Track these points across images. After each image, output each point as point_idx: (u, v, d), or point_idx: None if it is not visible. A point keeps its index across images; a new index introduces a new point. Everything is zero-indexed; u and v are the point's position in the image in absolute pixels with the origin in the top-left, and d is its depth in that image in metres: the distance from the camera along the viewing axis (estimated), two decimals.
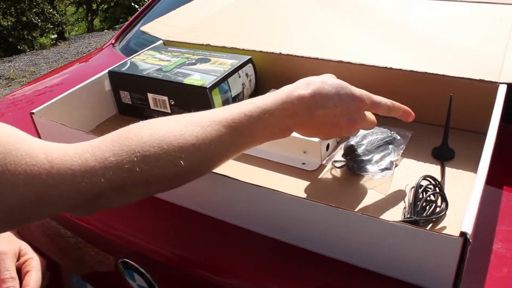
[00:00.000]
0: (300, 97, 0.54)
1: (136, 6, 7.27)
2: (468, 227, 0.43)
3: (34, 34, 6.56)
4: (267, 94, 0.56)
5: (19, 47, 6.16)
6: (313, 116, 0.55)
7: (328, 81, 0.56)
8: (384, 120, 0.69)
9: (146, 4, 1.49)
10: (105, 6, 7.69)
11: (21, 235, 0.70)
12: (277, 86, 0.60)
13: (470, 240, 0.43)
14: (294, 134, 0.65)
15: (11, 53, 6.00)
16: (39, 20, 6.58)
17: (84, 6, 7.64)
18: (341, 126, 0.57)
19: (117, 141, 0.48)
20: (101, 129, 0.84)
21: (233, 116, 0.52)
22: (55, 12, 6.95)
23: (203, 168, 0.53)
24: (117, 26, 7.06)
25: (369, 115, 0.60)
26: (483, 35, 0.79)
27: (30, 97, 1.11)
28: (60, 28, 6.98)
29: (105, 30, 7.17)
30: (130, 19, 1.47)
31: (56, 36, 6.80)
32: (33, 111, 0.75)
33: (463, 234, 0.43)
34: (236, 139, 0.52)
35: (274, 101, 0.54)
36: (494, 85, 0.65)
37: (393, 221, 0.47)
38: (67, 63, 1.38)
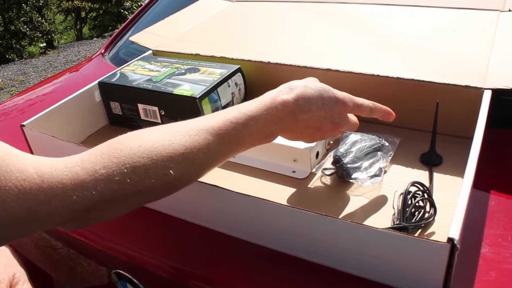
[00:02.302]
0: (283, 102, 0.55)
1: (126, 13, 7.26)
2: (455, 233, 0.44)
3: (22, 43, 6.52)
4: (252, 100, 0.57)
5: (7, 56, 6.12)
6: (297, 120, 0.56)
7: (311, 85, 0.57)
8: (372, 127, 0.70)
9: (135, 13, 1.49)
10: (94, 14, 7.66)
11: (15, 251, 0.70)
12: None
13: (458, 246, 0.43)
14: (285, 142, 0.66)
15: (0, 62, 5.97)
16: (28, 29, 6.54)
17: (73, 14, 7.62)
18: (324, 129, 0.58)
19: (106, 153, 0.48)
20: (92, 140, 0.84)
21: (219, 124, 0.53)
22: (43, 20, 6.91)
23: (192, 176, 0.53)
24: (106, 34, 7.04)
25: (352, 117, 0.61)
26: (467, 41, 0.81)
27: (20, 108, 1.10)
28: (49, 36, 6.94)
29: (94, 38, 7.15)
30: (120, 27, 1.47)
31: (45, 44, 6.76)
32: (24, 123, 0.75)
33: (450, 240, 0.43)
34: (223, 147, 0.53)
35: (259, 107, 0.55)
36: (479, 91, 0.66)
37: (382, 228, 0.47)
38: (56, 73, 1.37)
